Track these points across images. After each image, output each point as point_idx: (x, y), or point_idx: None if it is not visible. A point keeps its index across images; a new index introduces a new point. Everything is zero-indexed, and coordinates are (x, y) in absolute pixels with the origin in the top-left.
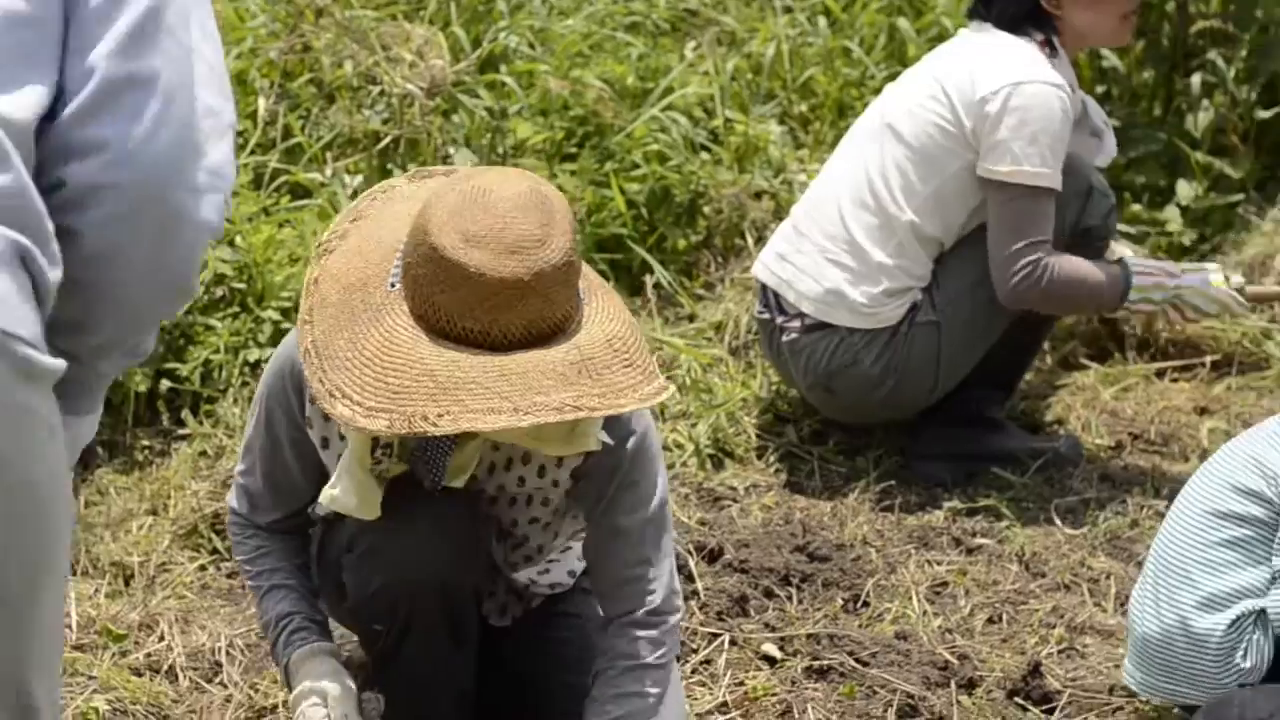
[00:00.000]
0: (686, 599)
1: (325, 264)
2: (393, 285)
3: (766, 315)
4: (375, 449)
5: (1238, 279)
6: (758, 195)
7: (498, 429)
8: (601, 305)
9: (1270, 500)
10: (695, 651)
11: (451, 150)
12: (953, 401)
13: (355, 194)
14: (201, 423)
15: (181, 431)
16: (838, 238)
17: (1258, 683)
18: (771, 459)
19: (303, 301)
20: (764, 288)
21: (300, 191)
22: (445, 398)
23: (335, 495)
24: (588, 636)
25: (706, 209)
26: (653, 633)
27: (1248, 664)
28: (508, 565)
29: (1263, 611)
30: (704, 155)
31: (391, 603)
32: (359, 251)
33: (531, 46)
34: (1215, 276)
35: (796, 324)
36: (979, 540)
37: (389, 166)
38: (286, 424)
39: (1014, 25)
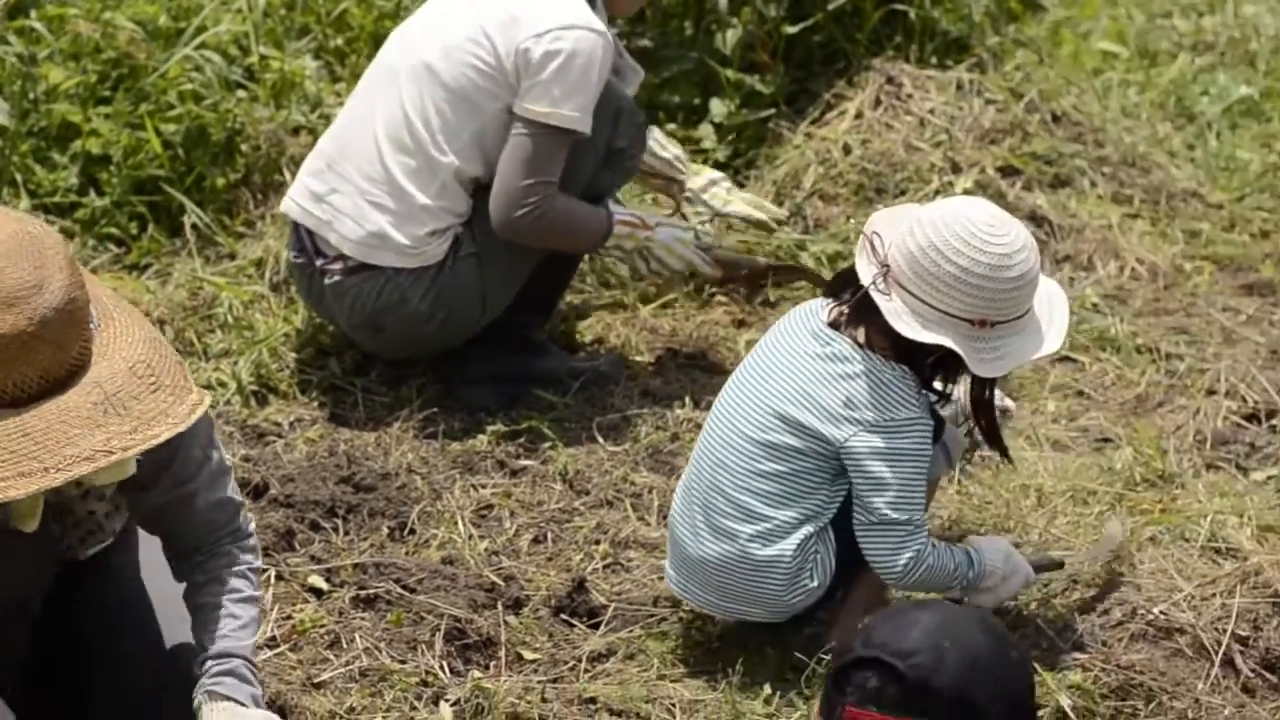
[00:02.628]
0: None
1: None
2: None
3: (303, 259)
4: None
5: (709, 239)
6: (295, 131)
7: (34, 492)
8: (119, 330)
9: (824, 438)
10: None
11: None
12: (493, 326)
13: None
14: None
15: None
16: (378, 180)
17: (822, 598)
18: (315, 393)
19: None
20: (297, 228)
21: None
22: None
23: None
24: (140, 595)
25: (244, 147)
26: (248, 541)
27: (815, 583)
28: (72, 550)
29: (824, 528)
30: (240, 93)
31: None
32: None
33: None
34: (686, 235)
35: (338, 266)
36: (523, 462)
37: None
38: None
39: None
